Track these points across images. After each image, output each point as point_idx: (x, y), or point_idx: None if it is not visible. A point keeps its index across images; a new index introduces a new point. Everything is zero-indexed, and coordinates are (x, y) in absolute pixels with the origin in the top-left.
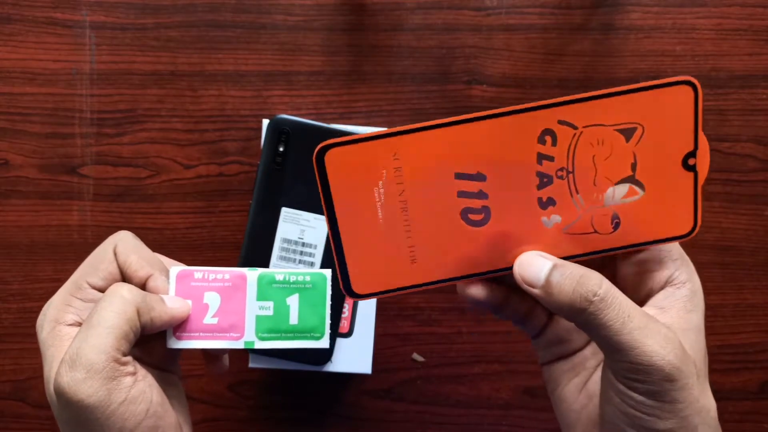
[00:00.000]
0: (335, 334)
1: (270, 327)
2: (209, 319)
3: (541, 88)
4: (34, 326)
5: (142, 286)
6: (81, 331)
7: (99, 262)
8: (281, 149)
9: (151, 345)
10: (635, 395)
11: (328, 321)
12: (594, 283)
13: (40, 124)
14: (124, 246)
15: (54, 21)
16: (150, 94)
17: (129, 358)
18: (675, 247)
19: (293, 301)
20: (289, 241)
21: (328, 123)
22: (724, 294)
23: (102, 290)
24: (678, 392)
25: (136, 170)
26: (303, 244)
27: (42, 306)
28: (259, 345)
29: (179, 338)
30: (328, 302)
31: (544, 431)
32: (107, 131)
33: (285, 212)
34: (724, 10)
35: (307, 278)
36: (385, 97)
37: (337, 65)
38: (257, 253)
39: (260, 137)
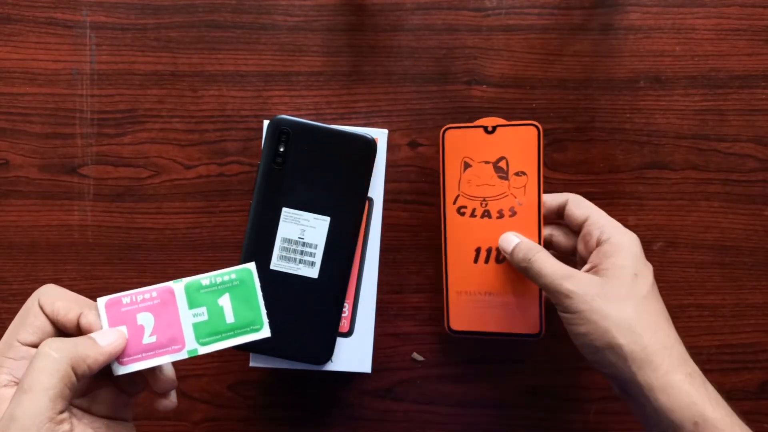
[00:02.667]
0: (335, 333)
1: (209, 331)
2: (147, 339)
3: (541, 89)
4: None
5: (76, 327)
6: (15, 396)
7: (26, 317)
8: (281, 149)
9: (96, 394)
10: (560, 313)
11: (263, 311)
12: (531, 252)
13: (41, 124)
14: (47, 296)
15: (54, 21)
16: (150, 95)
17: (65, 416)
18: (600, 219)
19: (225, 301)
20: (289, 241)
21: (328, 123)
22: (723, 294)
23: (34, 345)
24: (578, 304)
25: (136, 170)
26: (303, 244)
27: None
28: (203, 350)
29: (123, 364)
30: (259, 293)
31: (543, 430)
32: (108, 131)
33: (285, 212)
34: (723, 10)
35: (233, 276)
36: (385, 97)
37: (337, 66)
38: (258, 254)
39: (260, 137)
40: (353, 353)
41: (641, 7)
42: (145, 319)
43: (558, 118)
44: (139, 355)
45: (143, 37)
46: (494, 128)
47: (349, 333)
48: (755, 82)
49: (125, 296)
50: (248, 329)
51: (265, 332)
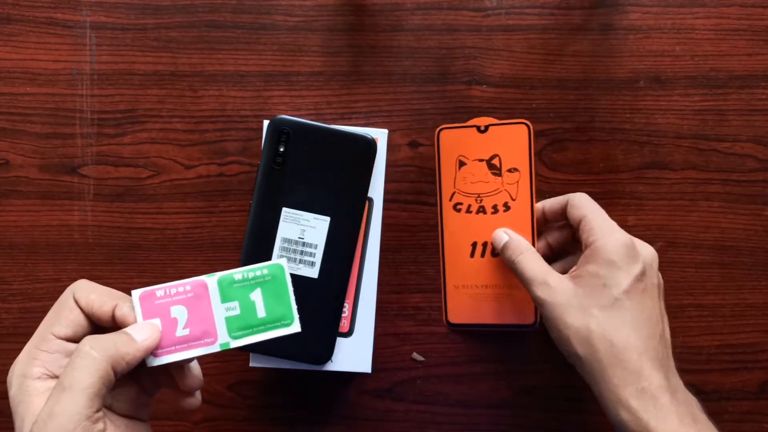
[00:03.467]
0: (335, 333)
1: (241, 325)
2: (181, 332)
3: (541, 89)
4: (34, 326)
5: (110, 319)
6: (54, 393)
7: (60, 311)
8: (281, 149)
9: (120, 392)
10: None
11: (294, 306)
12: (516, 252)
13: (41, 124)
14: (82, 290)
15: (54, 21)
16: (150, 95)
17: (100, 414)
18: (593, 221)
19: (257, 296)
20: (289, 241)
21: (328, 123)
22: (723, 294)
23: (68, 338)
24: (548, 312)
25: (136, 170)
26: (303, 244)
27: (43, 305)
28: (235, 344)
29: (156, 356)
30: (290, 289)
31: (543, 430)
32: (108, 131)
33: (285, 212)
34: (723, 10)
35: (265, 271)
36: (385, 97)
37: (337, 66)
38: (258, 253)
39: (260, 137)
40: (353, 353)
41: (641, 7)
42: (179, 312)
43: (558, 118)
44: (173, 347)
45: (143, 37)
46: (486, 127)
47: (349, 333)
48: (755, 82)
49: (159, 289)
50: (279, 324)
51: (296, 327)
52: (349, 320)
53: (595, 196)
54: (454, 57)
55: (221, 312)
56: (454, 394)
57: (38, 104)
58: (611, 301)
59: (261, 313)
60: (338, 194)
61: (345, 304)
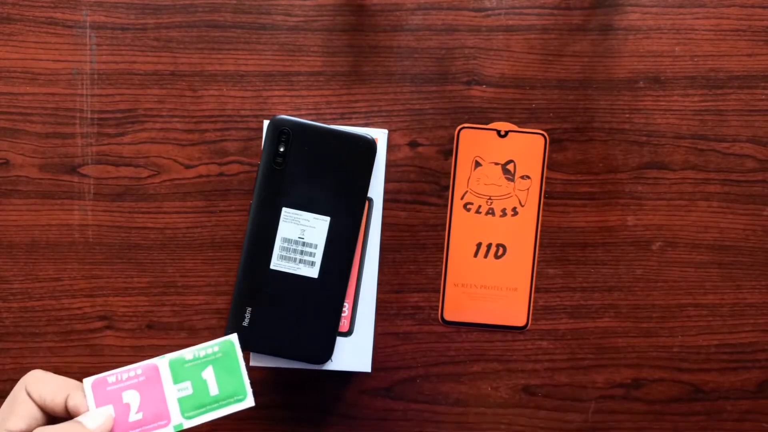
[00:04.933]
0: (335, 333)
1: (194, 404)
2: (134, 416)
3: (541, 89)
4: (35, 325)
5: (64, 409)
6: None
7: (14, 405)
8: (281, 149)
9: None
10: None
11: (246, 381)
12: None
13: (41, 124)
14: (34, 382)
15: (54, 21)
16: (150, 94)
17: None
18: None
19: (209, 374)
20: (289, 241)
21: (328, 123)
22: (722, 293)
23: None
24: None
25: (136, 170)
26: (303, 244)
27: (43, 305)
28: (188, 424)
29: None
30: (242, 364)
31: (543, 430)
32: (108, 131)
33: (285, 212)
34: (722, 10)
35: (216, 348)
36: (385, 97)
37: (337, 66)
38: (258, 253)
39: (260, 137)
40: (353, 353)
41: (641, 7)
42: (131, 397)
43: (557, 119)
44: None
45: (143, 37)
46: (506, 133)
47: (349, 332)
48: (755, 82)
49: (110, 375)
50: (233, 400)
51: (249, 402)
52: (349, 320)
53: (595, 196)
54: (454, 57)
55: (173, 393)
56: (454, 393)
57: (38, 104)
58: None
59: (214, 390)
60: (338, 194)
61: (345, 304)
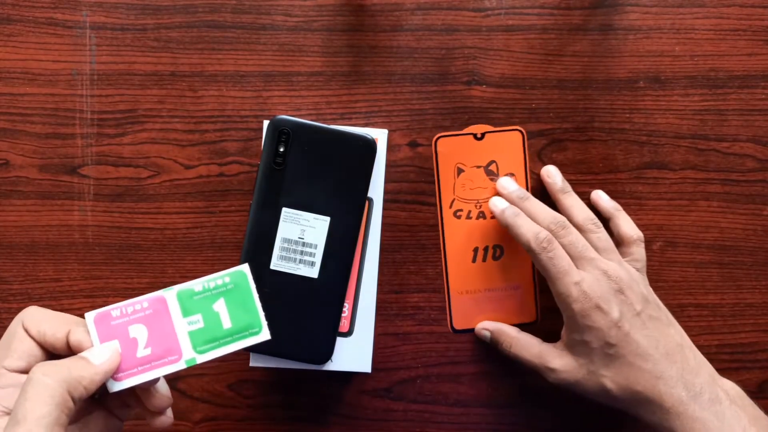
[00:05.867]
0: (335, 333)
1: (206, 338)
2: (142, 351)
3: (541, 89)
4: None
5: (65, 346)
6: (7, 428)
7: (10, 342)
8: (281, 150)
9: (87, 420)
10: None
11: (261, 313)
12: (508, 343)
13: (41, 124)
14: (32, 318)
15: (54, 21)
16: (150, 95)
17: None
18: (553, 286)
19: (220, 306)
20: (289, 241)
21: (328, 123)
22: (722, 294)
23: (22, 371)
24: (569, 389)
25: (136, 170)
26: (303, 244)
27: (43, 305)
28: (201, 359)
29: (118, 380)
30: (255, 295)
31: (543, 430)
32: (108, 131)
33: (285, 212)
34: (722, 10)
35: (227, 279)
36: (385, 97)
37: (337, 66)
38: (258, 253)
39: (260, 138)
40: (353, 353)
41: (641, 7)
42: (138, 331)
43: (557, 119)
44: (135, 369)
45: (143, 37)
46: (483, 135)
47: (349, 333)
48: (755, 82)
49: (114, 309)
50: (247, 333)
51: (265, 335)
52: (349, 320)
53: None
54: (454, 57)
55: (183, 327)
56: (454, 394)
57: (38, 104)
58: (608, 357)
59: (227, 323)
60: (338, 194)
61: (345, 304)
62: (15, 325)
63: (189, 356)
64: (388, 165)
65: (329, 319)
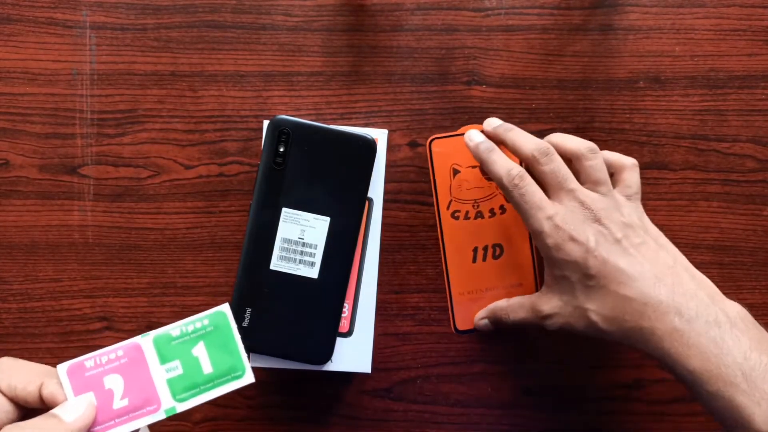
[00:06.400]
0: (335, 333)
1: (185, 385)
2: (119, 403)
3: (541, 89)
4: (34, 326)
5: (38, 399)
6: None
7: None
8: (281, 150)
9: None
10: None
11: (243, 355)
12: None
13: (41, 124)
14: (3, 371)
15: (54, 21)
16: (150, 95)
17: None
18: (526, 222)
19: (200, 351)
20: (289, 241)
21: (328, 123)
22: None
23: None
24: (563, 331)
25: (136, 170)
26: (303, 244)
27: (43, 305)
28: (181, 407)
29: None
30: (237, 336)
31: (543, 431)
32: (108, 131)
33: (285, 212)
34: (722, 10)
35: (206, 321)
36: (385, 97)
37: (337, 66)
38: (258, 254)
39: (260, 138)
40: (353, 353)
41: (641, 7)
42: (114, 382)
43: (557, 119)
44: (112, 422)
45: (143, 37)
46: None
47: (348, 333)
48: (755, 82)
49: (88, 359)
50: (229, 377)
51: (248, 378)
52: (348, 320)
53: None
54: (454, 57)
55: (161, 374)
56: (454, 394)
57: (38, 104)
58: (589, 289)
59: (207, 368)
60: (338, 194)
61: (345, 304)
62: None
63: (168, 405)
64: (388, 165)
65: (329, 320)
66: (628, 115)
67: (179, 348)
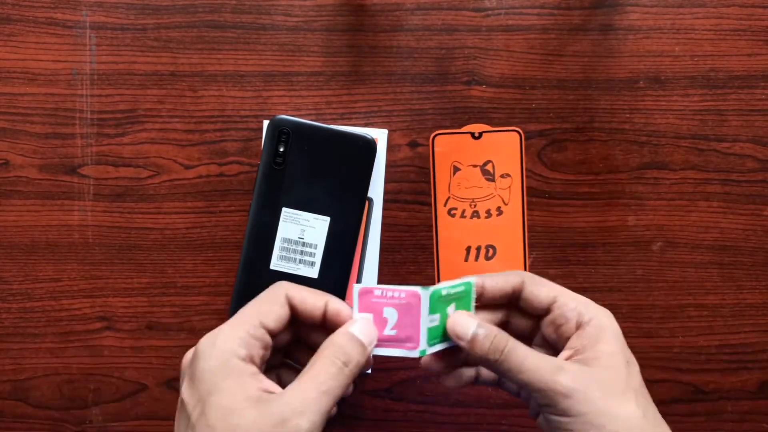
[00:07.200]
0: None
1: (436, 335)
2: (388, 331)
3: (541, 89)
4: (34, 326)
5: (321, 315)
6: (299, 389)
7: (272, 305)
8: (281, 150)
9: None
10: (551, 416)
11: None
12: (501, 342)
13: (41, 124)
14: (294, 288)
15: (54, 21)
16: (150, 95)
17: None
18: (571, 300)
19: (451, 310)
20: (289, 241)
21: (328, 123)
22: (722, 294)
23: (272, 333)
24: (580, 406)
25: (136, 170)
26: (303, 244)
27: (43, 305)
28: (429, 350)
29: None
30: (473, 305)
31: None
32: (107, 131)
33: (285, 212)
34: (722, 10)
35: (462, 288)
36: (385, 97)
37: (337, 66)
38: (258, 254)
39: (260, 138)
40: None
41: (641, 7)
42: (390, 314)
43: (557, 119)
44: (378, 343)
45: (143, 37)
46: (480, 134)
47: None
48: (755, 82)
49: (377, 289)
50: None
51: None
52: None
53: (595, 196)
54: (454, 57)
55: (426, 322)
56: (454, 394)
57: (38, 104)
58: (640, 380)
59: None
60: (338, 194)
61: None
62: (279, 292)
63: (423, 347)
64: (388, 165)
65: None
66: (628, 115)
67: (442, 305)
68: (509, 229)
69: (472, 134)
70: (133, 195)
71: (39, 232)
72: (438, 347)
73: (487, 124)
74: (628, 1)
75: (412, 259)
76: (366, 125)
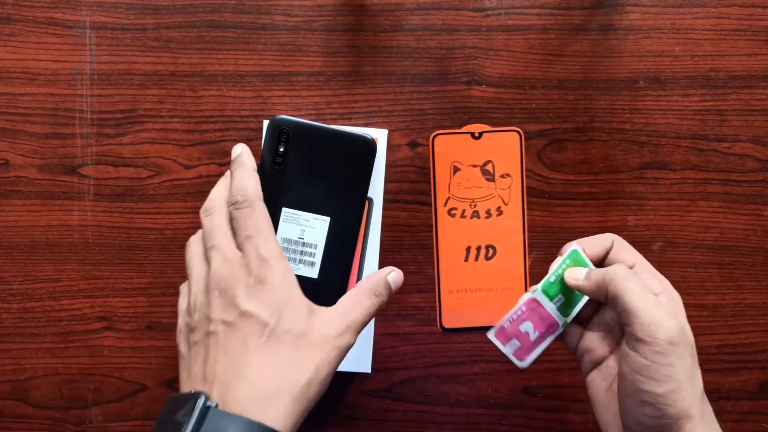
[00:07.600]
0: None
1: (568, 305)
2: (533, 336)
3: (541, 89)
4: (34, 326)
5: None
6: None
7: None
8: (281, 150)
9: None
10: (641, 359)
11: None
12: (624, 275)
13: (41, 124)
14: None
15: (54, 21)
16: (150, 95)
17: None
18: (646, 271)
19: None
20: (289, 241)
21: (328, 123)
22: (722, 294)
23: None
24: (677, 358)
25: (136, 170)
26: (303, 244)
27: (43, 305)
28: (569, 319)
29: (524, 359)
30: (589, 262)
31: (543, 431)
32: (108, 131)
33: (285, 212)
34: (722, 10)
35: (568, 262)
36: (385, 97)
37: (337, 66)
38: None
39: (260, 137)
40: (353, 353)
41: (641, 7)
42: (526, 326)
43: (557, 119)
44: (533, 348)
45: (143, 37)
46: (480, 134)
47: None
48: (755, 82)
49: (505, 322)
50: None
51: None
52: None
53: (595, 197)
54: (454, 57)
55: (553, 308)
56: (454, 394)
57: (38, 104)
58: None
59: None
60: (338, 194)
61: None
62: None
63: (563, 322)
64: (388, 165)
65: None
66: (628, 115)
67: (557, 286)
68: (509, 229)
69: (472, 134)
70: (133, 195)
71: (39, 232)
72: (574, 313)
73: (487, 124)
74: (628, 1)
75: (412, 259)
76: (366, 125)
